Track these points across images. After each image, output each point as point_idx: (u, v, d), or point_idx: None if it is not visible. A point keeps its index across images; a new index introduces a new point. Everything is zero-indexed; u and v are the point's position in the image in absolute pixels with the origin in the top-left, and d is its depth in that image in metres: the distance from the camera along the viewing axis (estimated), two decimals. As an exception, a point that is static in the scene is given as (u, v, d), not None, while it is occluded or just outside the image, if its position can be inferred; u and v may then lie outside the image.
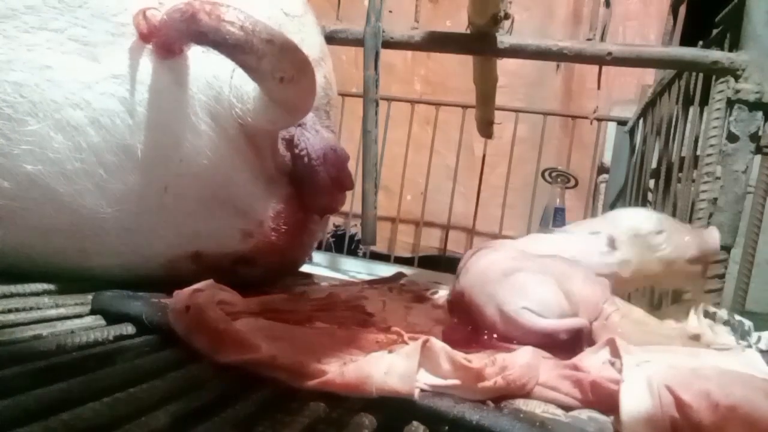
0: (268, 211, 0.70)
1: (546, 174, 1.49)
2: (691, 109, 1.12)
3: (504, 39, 1.09)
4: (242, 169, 0.66)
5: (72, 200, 0.55)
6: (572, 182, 1.50)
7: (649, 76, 1.58)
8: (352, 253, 2.02)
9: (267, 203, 0.70)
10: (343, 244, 2.03)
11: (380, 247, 2.04)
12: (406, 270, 1.19)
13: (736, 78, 0.95)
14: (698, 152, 1.04)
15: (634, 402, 0.38)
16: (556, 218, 1.49)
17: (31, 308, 0.48)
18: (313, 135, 0.74)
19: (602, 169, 1.86)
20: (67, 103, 0.53)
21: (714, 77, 1.01)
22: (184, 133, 0.59)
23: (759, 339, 0.66)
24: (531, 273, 0.58)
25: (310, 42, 0.76)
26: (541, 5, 2.19)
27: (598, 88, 1.23)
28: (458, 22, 1.95)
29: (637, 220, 0.70)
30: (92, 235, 0.58)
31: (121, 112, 0.55)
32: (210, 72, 0.61)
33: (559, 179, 1.48)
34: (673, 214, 1.12)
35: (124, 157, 0.56)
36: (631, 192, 1.52)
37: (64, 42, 0.53)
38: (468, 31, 1.14)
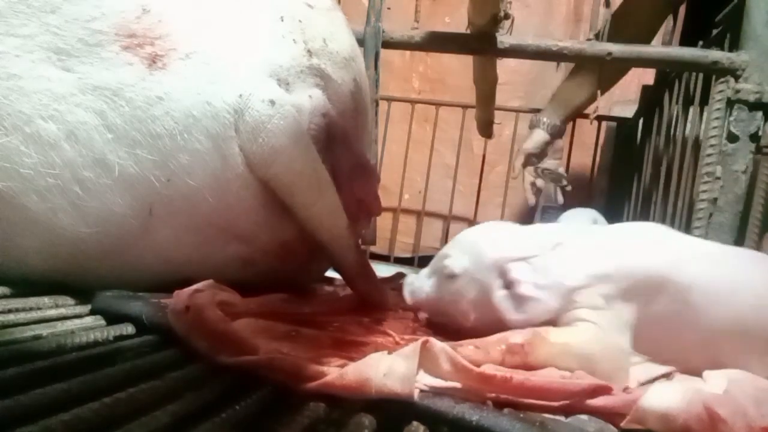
0: (276, 239, 0.64)
1: (538, 171, 1.49)
2: (691, 109, 1.12)
3: (504, 39, 1.09)
4: (244, 194, 0.59)
5: (46, 219, 0.51)
6: (563, 182, 1.50)
7: (649, 76, 1.58)
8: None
9: (274, 231, 0.63)
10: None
11: (380, 247, 2.03)
12: (406, 270, 1.18)
13: (736, 78, 0.95)
14: (698, 152, 1.04)
15: (658, 397, 0.38)
16: (545, 217, 1.48)
17: (31, 308, 0.48)
18: (341, 149, 0.67)
19: (602, 169, 1.86)
20: (37, 114, 0.49)
21: (714, 77, 1.01)
22: (171, 150, 0.54)
23: None
24: None
25: (341, 38, 0.69)
26: (541, 3, 2.18)
27: (598, 88, 1.23)
28: (457, 19, 1.95)
29: None
30: (70, 258, 0.54)
31: (98, 125, 0.51)
32: (208, 89, 0.55)
33: (550, 177, 1.48)
34: (673, 214, 1.12)
35: (102, 174, 0.52)
36: (631, 192, 1.52)
37: (33, 49, 0.49)
38: (468, 31, 1.14)
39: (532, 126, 1.48)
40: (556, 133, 1.46)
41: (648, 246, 0.57)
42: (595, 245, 0.57)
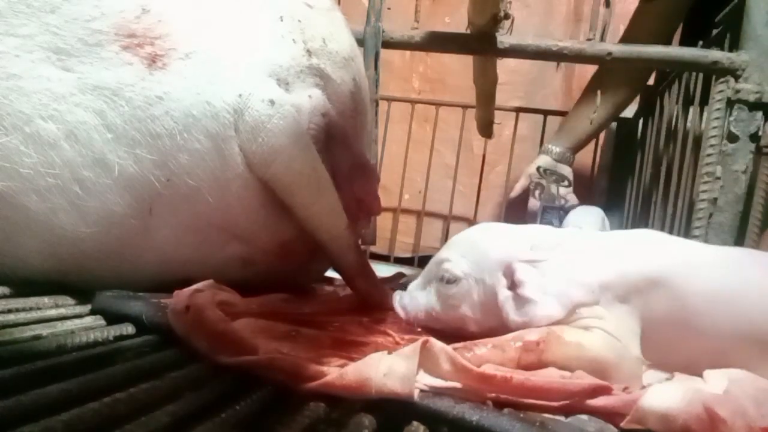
0: (276, 239, 0.64)
1: (540, 170, 1.50)
2: (691, 109, 1.12)
3: (504, 39, 1.09)
4: (244, 194, 0.59)
5: (46, 219, 0.51)
6: (566, 182, 1.50)
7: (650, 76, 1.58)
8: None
9: (274, 230, 0.63)
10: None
11: (380, 247, 2.03)
12: (406, 270, 1.19)
13: (736, 78, 0.95)
14: (698, 152, 1.04)
15: (658, 397, 0.38)
16: (545, 217, 1.47)
17: (31, 308, 0.48)
18: (340, 149, 0.67)
19: (602, 169, 1.86)
20: (37, 114, 0.49)
21: (714, 77, 1.01)
22: (171, 150, 0.54)
23: None
24: None
25: (340, 38, 0.69)
26: (541, 3, 2.18)
27: (599, 88, 1.23)
28: (458, 20, 1.95)
29: None
30: (70, 258, 0.54)
31: (98, 125, 0.51)
32: (208, 89, 0.55)
33: (553, 177, 1.48)
34: (673, 214, 1.12)
35: (101, 174, 0.52)
36: (631, 192, 1.52)
37: (33, 49, 0.49)
38: (468, 31, 1.14)
39: (541, 153, 1.53)
40: (563, 160, 1.49)
41: (643, 250, 0.56)
42: (597, 252, 0.56)
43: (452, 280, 0.58)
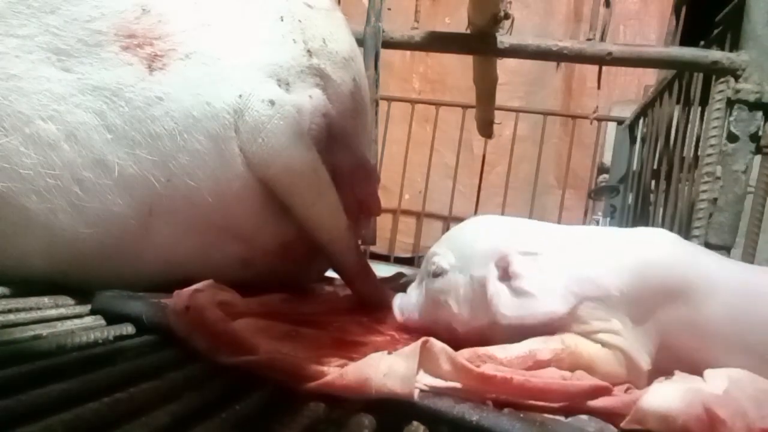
0: (276, 239, 0.64)
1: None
2: (691, 109, 1.12)
3: (504, 39, 1.09)
4: (244, 194, 0.59)
5: (46, 220, 0.51)
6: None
7: (650, 76, 1.58)
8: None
9: (274, 231, 0.63)
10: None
11: (380, 247, 2.03)
12: (406, 270, 1.19)
13: (736, 78, 0.95)
14: (698, 152, 1.04)
15: (658, 398, 0.39)
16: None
17: (31, 308, 0.48)
18: (341, 150, 0.67)
19: (602, 169, 1.86)
20: (36, 115, 0.49)
21: (714, 77, 1.01)
22: (171, 151, 0.53)
23: None
24: None
25: (340, 38, 0.68)
26: (541, 3, 2.19)
27: (598, 88, 1.23)
28: (458, 20, 1.95)
29: None
30: (70, 258, 0.54)
31: (98, 126, 0.51)
32: (208, 89, 0.55)
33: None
34: (674, 214, 1.12)
35: (101, 174, 0.51)
36: (632, 192, 1.52)
37: (33, 50, 0.49)
38: (468, 31, 1.14)
39: None
40: None
41: (660, 253, 0.52)
42: (606, 252, 0.52)
43: (438, 273, 0.54)
